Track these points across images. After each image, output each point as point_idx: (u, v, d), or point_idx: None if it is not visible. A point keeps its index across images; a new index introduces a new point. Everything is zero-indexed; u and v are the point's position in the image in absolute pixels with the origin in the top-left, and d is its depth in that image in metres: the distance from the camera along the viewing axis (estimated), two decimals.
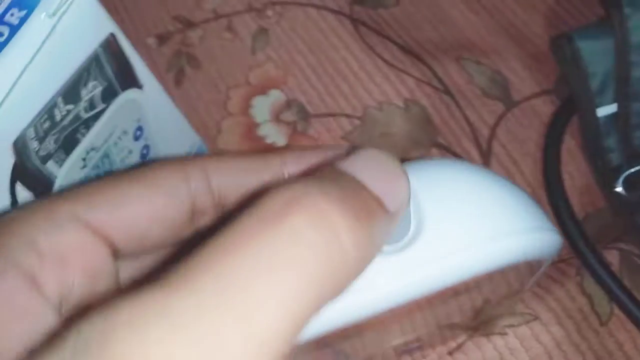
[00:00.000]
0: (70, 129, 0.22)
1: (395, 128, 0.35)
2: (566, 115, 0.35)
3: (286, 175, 0.18)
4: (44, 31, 0.19)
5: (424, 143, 0.35)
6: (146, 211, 0.16)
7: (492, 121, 0.35)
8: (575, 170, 0.34)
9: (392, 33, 0.38)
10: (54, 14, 0.19)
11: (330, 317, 0.17)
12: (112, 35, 0.22)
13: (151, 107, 0.26)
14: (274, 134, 0.35)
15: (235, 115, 0.36)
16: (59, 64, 0.20)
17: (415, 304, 0.19)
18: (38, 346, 0.13)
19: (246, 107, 0.37)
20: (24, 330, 0.14)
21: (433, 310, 0.24)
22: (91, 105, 0.22)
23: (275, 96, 0.37)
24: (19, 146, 0.20)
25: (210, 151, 0.34)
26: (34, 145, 0.20)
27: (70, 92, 0.21)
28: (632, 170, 0.31)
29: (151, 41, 0.39)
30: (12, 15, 0.19)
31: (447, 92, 0.36)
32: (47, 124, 0.20)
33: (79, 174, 0.23)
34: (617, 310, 0.30)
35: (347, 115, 0.36)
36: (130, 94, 0.24)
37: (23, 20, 0.19)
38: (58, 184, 0.22)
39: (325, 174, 0.14)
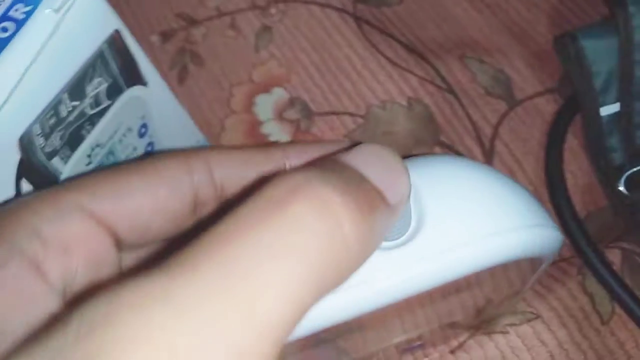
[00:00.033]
0: (75, 125, 0.22)
1: (398, 126, 0.35)
2: (569, 114, 0.35)
3: (288, 168, 0.18)
4: (49, 27, 0.19)
5: (427, 142, 0.35)
6: (149, 202, 0.16)
7: (495, 120, 0.35)
8: (577, 169, 0.34)
9: (396, 31, 0.38)
10: (59, 10, 0.19)
11: (331, 311, 0.17)
12: (117, 31, 0.22)
13: (156, 105, 0.26)
14: (277, 132, 0.35)
15: (239, 113, 0.36)
16: (64, 60, 0.20)
17: (417, 300, 0.19)
18: (42, 328, 0.13)
19: (249, 105, 0.37)
20: (28, 314, 0.14)
21: (435, 308, 0.24)
22: (96, 101, 0.22)
23: (279, 94, 0.37)
24: (25, 142, 0.20)
25: None
26: (39, 141, 0.20)
27: (76, 88, 0.21)
28: (635, 169, 0.31)
29: (154, 38, 0.39)
30: (17, 10, 0.19)
31: (450, 90, 0.36)
32: (52, 120, 0.20)
33: (84, 171, 0.23)
34: (618, 310, 0.30)
35: (350, 114, 0.36)
36: (135, 91, 0.24)
37: (28, 16, 0.19)
38: None
39: (327, 165, 0.14)
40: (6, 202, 0.19)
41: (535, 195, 0.32)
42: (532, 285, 0.25)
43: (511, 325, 0.30)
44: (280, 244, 0.12)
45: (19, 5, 0.19)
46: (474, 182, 0.19)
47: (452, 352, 0.30)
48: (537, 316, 0.30)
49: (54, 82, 0.20)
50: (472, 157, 0.34)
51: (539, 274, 0.23)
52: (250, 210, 0.12)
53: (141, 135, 0.25)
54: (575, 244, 0.31)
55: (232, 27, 0.39)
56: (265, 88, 0.37)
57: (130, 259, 0.17)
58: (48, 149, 0.21)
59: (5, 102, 0.19)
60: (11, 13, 0.19)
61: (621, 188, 0.32)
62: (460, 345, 0.30)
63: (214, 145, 0.34)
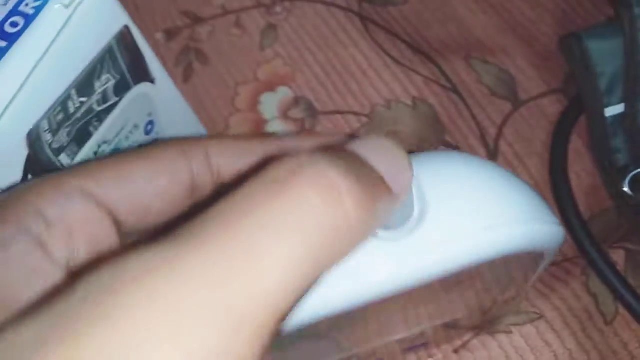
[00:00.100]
0: (83, 121, 0.22)
1: (403, 126, 0.35)
2: (574, 114, 0.35)
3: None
4: (59, 22, 0.19)
5: (432, 141, 0.35)
6: (149, 187, 0.16)
7: (500, 120, 0.35)
8: (581, 170, 0.34)
9: (401, 31, 0.38)
10: (69, 5, 0.19)
11: (333, 299, 0.17)
12: (127, 27, 0.22)
13: (162, 102, 0.26)
14: (282, 131, 0.36)
15: (244, 111, 0.36)
16: (73, 55, 0.20)
17: (418, 295, 0.19)
18: (46, 296, 0.14)
19: (254, 104, 0.37)
20: (34, 286, 0.14)
21: (437, 304, 0.24)
22: (104, 98, 0.22)
23: (284, 93, 0.37)
24: (33, 138, 0.20)
25: None
26: (47, 137, 0.20)
27: (84, 84, 0.21)
28: (639, 170, 0.31)
29: (159, 36, 0.39)
30: (27, 5, 0.19)
31: (455, 90, 0.36)
32: (60, 116, 0.20)
33: None
34: (622, 310, 0.30)
35: (355, 113, 0.36)
36: (143, 88, 0.24)
37: (38, 11, 0.19)
38: None
39: (332, 150, 0.14)
40: (12, 186, 0.19)
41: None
42: (534, 282, 0.25)
43: (515, 325, 0.30)
44: (282, 219, 0.12)
45: (29, 0, 0.19)
46: (476, 177, 0.19)
47: (456, 351, 0.30)
48: (541, 316, 0.31)
49: (63, 78, 0.20)
50: None
51: (541, 270, 0.23)
52: (255, 188, 0.12)
53: (147, 132, 0.25)
54: (579, 244, 0.31)
55: (237, 25, 0.39)
56: (271, 87, 0.37)
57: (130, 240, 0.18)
58: (55, 145, 0.21)
59: (14, 97, 0.19)
60: (21, 8, 0.19)
61: (625, 189, 0.32)
62: (464, 345, 0.30)
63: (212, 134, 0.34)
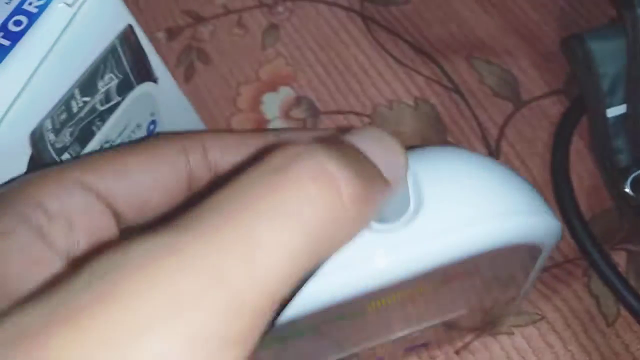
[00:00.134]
0: (86, 121, 0.22)
1: (404, 126, 0.35)
2: (575, 115, 0.35)
3: None
4: (63, 21, 0.19)
5: (433, 141, 0.35)
6: (147, 180, 0.17)
7: (501, 121, 0.35)
8: (583, 171, 0.34)
9: (403, 31, 0.38)
10: (73, 4, 0.19)
11: (331, 290, 0.17)
12: (130, 26, 0.22)
13: (165, 102, 0.26)
14: (279, 127, 0.35)
15: (245, 111, 0.36)
16: (77, 54, 0.20)
17: (418, 289, 0.19)
18: (50, 283, 0.14)
19: (256, 104, 0.37)
20: (35, 275, 0.14)
21: (438, 301, 0.24)
22: (107, 97, 0.22)
23: (286, 93, 0.37)
24: (36, 138, 0.20)
25: None
26: (50, 137, 0.20)
27: (87, 84, 0.21)
28: None
29: (160, 35, 0.39)
30: (30, 3, 0.19)
31: (457, 91, 0.36)
32: (63, 116, 0.20)
33: None
34: (623, 311, 0.30)
35: (357, 113, 0.36)
36: (145, 87, 0.24)
37: (41, 9, 0.19)
38: None
39: (328, 141, 0.14)
40: (13, 179, 0.19)
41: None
42: (534, 279, 0.24)
43: (516, 326, 0.30)
44: (280, 208, 0.12)
45: None
46: (472, 170, 0.19)
47: (457, 352, 0.30)
48: (543, 317, 0.30)
49: (66, 77, 0.20)
50: None
51: (539, 266, 0.23)
52: (253, 177, 0.13)
53: (150, 132, 0.25)
54: (581, 245, 0.31)
55: (239, 25, 0.39)
56: (272, 86, 0.37)
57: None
58: (58, 145, 0.21)
59: (17, 97, 0.19)
60: (25, 6, 0.19)
61: (627, 190, 0.32)
62: (465, 346, 0.30)
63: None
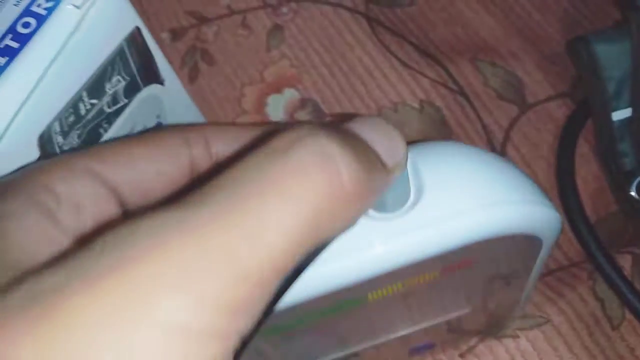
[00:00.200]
0: (93, 123, 0.21)
1: (409, 129, 0.35)
2: (581, 118, 0.35)
3: None
4: (71, 23, 0.19)
5: None
6: (151, 170, 0.17)
7: (507, 124, 0.35)
8: (588, 174, 0.34)
9: (408, 33, 0.38)
10: (81, 6, 0.19)
11: (333, 275, 0.18)
12: (137, 28, 0.22)
13: (171, 103, 0.26)
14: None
15: (250, 113, 0.36)
16: (85, 57, 0.20)
17: (417, 279, 0.20)
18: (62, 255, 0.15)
19: (261, 105, 0.36)
20: (46, 253, 0.15)
21: (440, 298, 0.24)
22: (114, 100, 0.22)
23: (290, 94, 0.37)
24: (44, 140, 0.20)
25: None
26: (58, 139, 0.20)
27: (95, 86, 0.21)
28: None
29: (165, 36, 0.39)
30: (39, 5, 0.19)
31: (462, 93, 0.36)
32: (71, 118, 0.20)
33: None
34: (628, 315, 0.30)
35: (362, 115, 0.36)
36: (152, 89, 0.24)
37: (50, 11, 0.19)
38: None
39: (330, 127, 0.15)
40: (22, 167, 0.19)
41: None
42: (535, 277, 0.24)
43: (521, 329, 0.30)
44: (282, 187, 0.13)
45: (41, 1, 0.19)
46: (472, 162, 0.19)
47: (462, 355, 0.30)
48: (547, 320, 0.30)
49: (74, 79, 0.20)
50: None
51: (541, 262, 0.23)
52: (257, 157, 0.13)
53: None
54: (586, 248, 0.31)
55: (243, 25, 0.39)
56: (277, 88, 0.37)
57: None
58: (66, 148, 0.21)
59: (26, 99, 0.18)
60: (33, 8, 0.19)
61: (632, 193, 0.32)
62: (470, 349, 0.30)
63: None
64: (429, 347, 0.30)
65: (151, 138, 0.18)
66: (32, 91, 0.18)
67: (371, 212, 0.18)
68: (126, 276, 0.11)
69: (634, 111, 0.32)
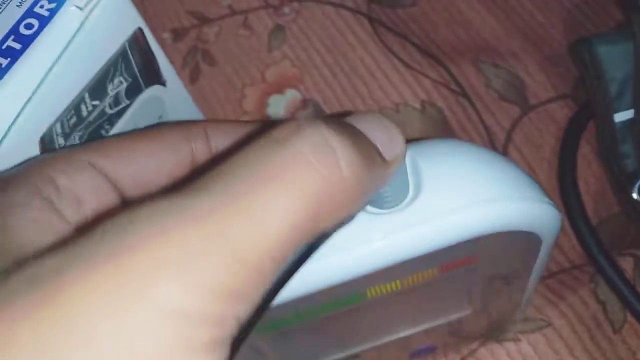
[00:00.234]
0: (94, 125, 0.21)
1: (411, 130, 0.35)
2: (582, 120, 0.34)
3: None
4: (74, 24, 0.19)
5: None
6: (152, 164, 0.18)
7: (508, 125, 0.35)
8: (590, 176, 0.34)
9: (410, 33, 0.38)
10: (84, 7, 0.19)
11: (331, 269, 0.18)
12: (140, 29, 0.21)
13: (172, 104, 0.25)
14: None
15: (251, 113, 0.36)
16: (87, 58, 0.20)
17: (416, 276, 0.20)
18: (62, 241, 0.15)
19: (262, 106, 0.36)
20: (48, 241, 0.15)
21: (441, 298, 0.24)
22: (116, 101, 0.22)
23: (292, 95, 0.36)
24: (46, 142, 0.19)
25: None
26: (60, 141, 0.20)
27: (97, 87, 0.21)
28: None
29: (166, 36, 0.39)
30: (41, 7, 0.19)
31: (464, 94, 0.36)
32: (73, 120, 0.20)
33: None
34: (630, 318, 0.30)
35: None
36: (154, 90, 0.24)
37: (53, 13, 0.19)
38: None
39: (328, 119, 0.15)
40: (26, 160, 0.19)
41: None
42: (537, 278, 0.24)
43: (523, 332, 0.30)
44: (281, 174, 0.13)
45: (44, 2, 0.19)
46: (471, 160, 0.19)
47: (463, 359, 0.30)
48: (549, 324, 0.30)
49: (77, 80, 0.20)
50: None
51: (542, 261, 0.23)
52: (257, 147, 0.14)
53: None
54: (588, 251, 0.31)
55: (245, 26, 0.39)
56: (278, 89, 0.37)
57: None
58: None
59: (28, 101, 0.18)
60: (36, 9, 0.19)
61: (634, 195, 0.32)
62: (471, 353, 0.30)
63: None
64: (430, 350, 0.30)
65: (152, 133, 0.18)
66: (34, 92, 0.18)
67: (370, 208, 0.18)
68: (125, 261, 0.11)
69: (636, 113, 0.32)
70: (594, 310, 0.31)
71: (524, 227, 0.19)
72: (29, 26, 0.19)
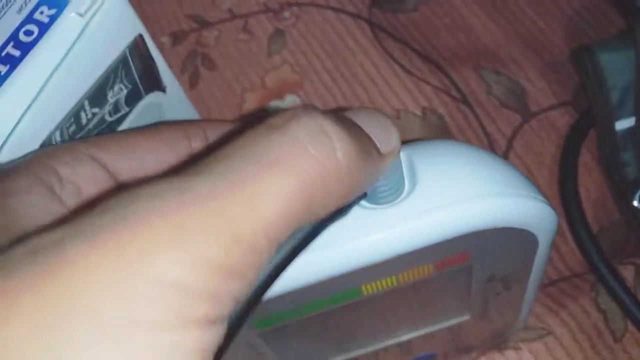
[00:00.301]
0: (94, 133, 0.21)
1: (411, 136, 0.35)
2: (583, 128, 0.34)
3: None
4: (74, 31, 0.19)
5: None
6: (151, 159, 0.18)
7: (509, 132, 0.35)
8: (591, 184, 0.34)
9: (411, 39, 0.38)
10: (85, 14, 0.19)
11: (325, 262, 0.18)
12: (141, 36, 0.21)
13: (172, 110, 0.25)
14: None
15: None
16: (87, 65, 0.20)
17: (411, 273, 0.20)
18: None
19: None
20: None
21: (438, 300, 0.24)
22: (115, 108, 0.22)
23: (292, 100, 0.36)
24: None
25: None
26: None
27: (97, 94, 0.20)
28: None
29: (165, 40, 0.38)
30: (41, 13, 0.19)
31: (465, 101, 0.36)
32: (73, 128, 0.20)
33: None
34: (631, 327, 0.30)
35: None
36: (154, 97, 0.23)
37: (53, 19, 0.19)
38: None
39: (325, 110, 0.16)
40: (27, 153, 0.19)
41: None
42: (535, 284, 0.24)
43: (523, 341, 0.30)
44: (277, 158, 0.13)
45: (44, 8, 0.19)
46: (467, 158, 0.19)
47: None
48: (550, 332, 0.30)
49: (77, 88, 0.20)
50: None
51: (540, 264, 0.23)
52: (254, 133, 0.14)
53: None
54: (589, 259, 0.31)
55: (244, 30, 0.39)
56: (278, 94, 0.36)
57: None
58: None
59: (27, 108, 0.18)
60: (36, 16, 0.18)
61: (635, 203, 0.32)
62: None
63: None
64: (431, 358, 0.30)
65: (151, 130, 0.19)
66: (33, 100, 0.18)
67: (366, 203, 0.18)
68: (126, 238, 0.12)
69: (637, 121, 0.32)
70: (595, 319, 0.30)
71: (517, 224, 0.19)
72: (28, 33, 0.18)
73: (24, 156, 0.18)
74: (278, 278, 0.15)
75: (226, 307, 0.12)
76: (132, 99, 0.22)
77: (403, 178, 0.18)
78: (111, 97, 0.21)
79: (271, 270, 0.14)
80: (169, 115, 0.25)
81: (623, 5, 0.36)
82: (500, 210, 0.19)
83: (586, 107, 0.35)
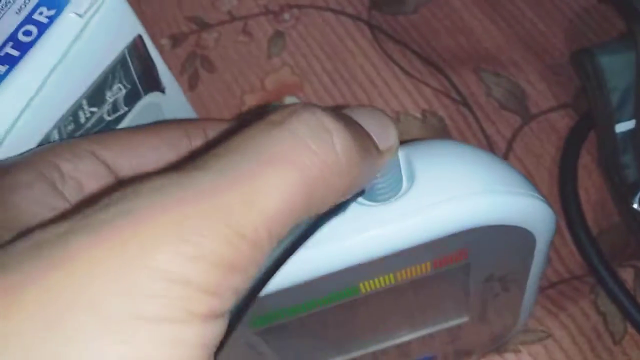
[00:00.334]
0: (92, 131, 0.21)
1: (411, 139, 0.35)
2: (583, 130, 0.34)
3: None
4: (74, 31, 0.19)
5: None
6: (152, 157, 0.18)
7: (509, 134, 0.35)
8: (590, 186, 0.34)
9: (410, 41, 0.38)
10: (84, 14, 0.19)
11: (323, 259, 0.18)
12: (140, 36, 0.21)
13: (171, 111, 0.25)
14: None
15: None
16: (86, 65, 0.20)
17: (409, 272, 0.20)
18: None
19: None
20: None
21: (437, 302, 0.24)
22: (114, 108, 0.22)
23: (291, 102, 0.36)
24: None
25: None
26: None
27: (95, 94, 0.20)
28: None
29: (164, 42, 0.38)
30: (41, 13, 0.19)
31: (465, 103, 0.36)
32: (71, 127, 0.20)
33: None
34: (630, 329, 0.30)
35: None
36: (153, 97, 0.23)
37: (52, 19, 0.19)
38: None
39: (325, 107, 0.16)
40: (29, 150, 0.20)
41: None
42: (534, 286, 0.24)
43: (523, 344, 0.30)
44: (277, 153, 0.13)
45: (43, 9, 0.19)
46: (465, 157, 0.20)
47: None
48: (549, 335, 0.30)
49: (75, 87, 0.20)
50: None
51: (539, 264, 0.22)
52: (254, 129, 0.14)
53: None
54: (588, 261, 0.31)
55: (244, 32, 0.39)
56: (278, 96, 0.36)
57: None
58: None
59: (25, 107, 0.18)
60: (35, 16, 0.18)
61: (635, 205, 0.32)
62: None
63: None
64: (431, 358, 0.30)
65: (152, 128, 0.19)
66: (31, 99, 0.18)
67: (363, 201, 0.18)
68: (128, 230, 0.12)
69: (637, 123, 0.32)
70: (595, 321, 0.30)
71: (514, 222, 0.19)
72: (27, 33, 0.18)
73: (24, 153, 0.18)
74: (276, 273, 0.15)
75: (228, 301, 0.12)
76: (131, 99, 0.22)
77: (401, 175, 0.18)
78: (110, 97, 0.21)
79: (270, 265, 0.14)
80: (168, 116, 0.25)
81: (623, 7, 0.36)
82: (497, 207, 0.19)
83: (586, 110, 0.35)
